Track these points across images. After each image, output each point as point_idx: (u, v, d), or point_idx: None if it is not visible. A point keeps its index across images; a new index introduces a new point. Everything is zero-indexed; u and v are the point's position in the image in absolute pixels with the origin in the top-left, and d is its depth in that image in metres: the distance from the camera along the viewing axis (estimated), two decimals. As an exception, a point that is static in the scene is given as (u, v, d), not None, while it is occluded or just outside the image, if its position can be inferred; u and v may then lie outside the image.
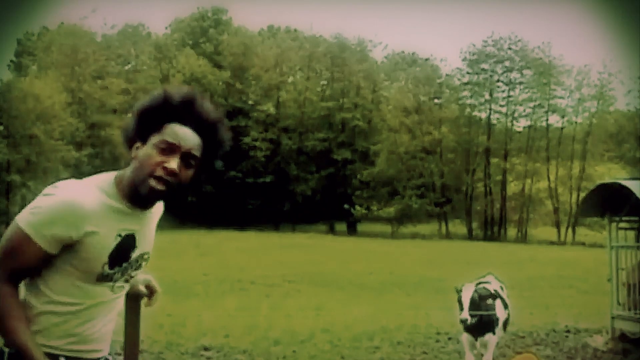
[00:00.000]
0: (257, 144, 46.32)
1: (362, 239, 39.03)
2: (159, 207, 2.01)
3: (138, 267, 1.94)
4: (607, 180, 12.08)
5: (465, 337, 6.05)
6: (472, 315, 5.65)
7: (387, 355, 7.74)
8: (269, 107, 47.72)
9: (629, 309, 8.34)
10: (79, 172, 40.86)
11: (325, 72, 50.59)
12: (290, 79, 51.05)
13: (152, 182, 1.74)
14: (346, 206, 44.50)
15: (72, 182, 1.80)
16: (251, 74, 49.25)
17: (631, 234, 9.38)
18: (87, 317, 1.83)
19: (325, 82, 50.75)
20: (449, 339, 8.56)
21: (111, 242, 1.78)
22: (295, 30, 55.28)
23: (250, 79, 49.65)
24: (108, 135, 43.14)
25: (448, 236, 43.52)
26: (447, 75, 50.69)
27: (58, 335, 1.79)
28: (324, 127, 47.92)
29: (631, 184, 8.05)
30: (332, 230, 44.71)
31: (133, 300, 2.21)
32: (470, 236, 44.12)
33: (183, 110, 1.81)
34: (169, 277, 16.80)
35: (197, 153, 1.80)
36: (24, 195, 36.98)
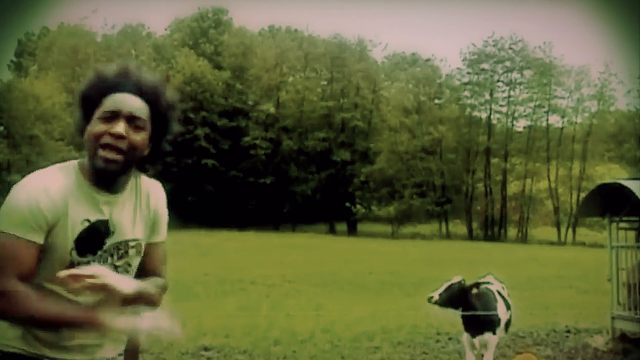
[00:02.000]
0: (257, 142, 46.35)
1: (362, 239, 39.02)
2: (155, 192, 1.97)
3: (123, 256, 1.86)
4: (607, 180, 12.08)
5: (466, 337, 6.05)
6: (445, 305, 5.79)
7: (387, 355, 7.74)
8: (269, 108, 47.76)
9: (629, 309, 8.33)
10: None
11: (325, 72, 50.60)
12: (290, 79, 51.06)
13: (103, 152, 1.72)
14: (347, 204, 44.51)
15: (36, 172, 1.79)
16: (251, 74, 49.26)
17: (631, 234, 9.36)
18: None
19: (325, 82, 50.77)
20: (450, 339, 8.56)
21: (77, 228, 1.74)
22: (296, 30, 55.32)
23: (250, 79, 49.66)
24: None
25: (448, 236, 43.53)
26: (447, 75, 50.86)
27: (41, 339, 1.76)
28: (324, 127, 47.93)
29: (631, 184, 8.04)
30: (332, 230, 44.72)
31: None
32: (470, 236, 44.13)
33: (119, 82, 1.79)
34: (169, 277, 16.78)
35: (142, 115, 1.77)
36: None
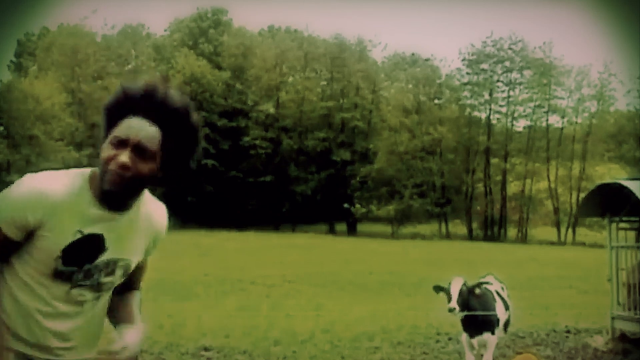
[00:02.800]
0: (257, 143, 46.36)
1: (362, 239, 39.02)
2: (159, 217, 1.95)
3: (110, 274, 1.84)
4: (607, 180, 12.08)
5: (465, 337, 6.05)
6: (462, 309, 5.68)
7: (387, 355, 7.73)
8: (269, 108, 47.78)
9: (629, 309, 8.33)
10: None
11: (325, 73, 50.61)
12: (290, 79, 51.07)
13: (108, 176, 1.71)
14: (346, 205, 44.51)
15: (46, 172, 1.78)
16: (251, 75, 49.26)
17: (631, 234, 9.36)
18: (35, 324, 1.77)
19: (325, 83, 50.78)
20: (449, 339, 8.56)
21: (67, 237, 1.72)
22: (296, 30, 55.34)
23: (250, 79, 49.67)
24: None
25: (448, 236, 43.53)
26: (447, 75, 50.83)
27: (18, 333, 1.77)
28: (324, 127, 47.94)
29: (631, 184, 8.04)
30: (332, 230, 44.72)
31: None
32: (470, 236, 44.13)
33: (143, 102, 1.76)
34: (169, 277, 16.80)
35: (151, 145, 1.73)
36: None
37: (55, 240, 1.71)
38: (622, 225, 9.09)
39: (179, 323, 9.48)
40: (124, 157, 1.70)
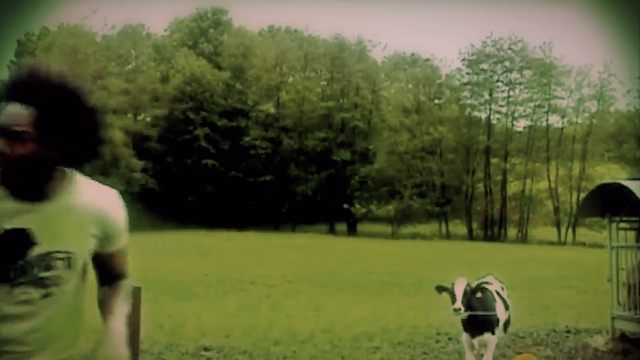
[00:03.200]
0: (257, 143, 46.37)
1: (362, 239, 39.02)
2: (103, 202, 1.89)
3: (49, 268, 1.77)
4: (607, 180, 12.08)
5: (465, 337, 6.05)
6: (466, 309, 5.67)
7: (387, 355, 7.73)
8: (269, 108, 47.78)
9: (629, 309, 8.33)
10: (78, 172, 40.87)
11: (325, 73, 50.62)
12: (290, 79, 51.08)
13: None
14: (346, 205, 44.51)
15: None
16: (251, 75, 49.28)
17: (631, 234, 9.36)
18: None
19: (325, 83, 50.79)
20: (449, 339, 8.56)
21: None
22: (296, 30, 55.35)
23: (250, 79, 49.68)
24: (108, 135, 43.06)
25: (448, 236, 43.54)
26: (447, 75, 50.85)
27: None
28: (324, 127, 47.96)
29: (631, 184, 8.04)
30: (332, 231, 44.72)
31: (133, 298, 2.16)
32: (470, 236, 44.14)
33: (20, 87, 1.72)
34: (169, 277, 16.82)
35: (17, 125, 1.67)
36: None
37: None
38: (622, 225, 9.09)
39: (179, 323, 9.48)
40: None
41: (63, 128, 1.73)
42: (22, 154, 1.67)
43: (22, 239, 1.72)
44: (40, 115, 1.70)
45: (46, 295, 1.79)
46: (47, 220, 1.75)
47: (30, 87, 1.72)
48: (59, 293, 1.81)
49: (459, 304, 5.62)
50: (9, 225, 1.70)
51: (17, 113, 1.69)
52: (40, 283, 1.76)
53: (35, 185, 1.74)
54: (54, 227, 1.76)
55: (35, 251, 1.74)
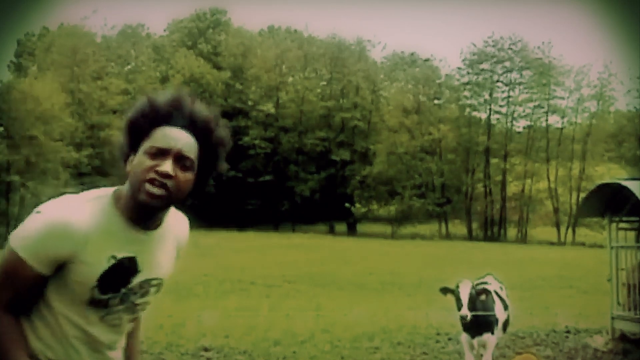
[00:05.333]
0: (257, 142, 46.37)
1: (362, 239, 39.02)
2: (181, 228, 1.91)
3: (144, 294, 1.81)
4: (607, 180, 12.08)
5: (465, 338, 6.05)
6: (470, 312, 5.66)
7: (387, 355, 7.74)
8: (269, 108, 47.77)
9: (629, 309, 8.33)
10: (78, 172, 40.91)
11: (325, 73, 50.64)
12: (290, 80, 51.09)
13: (148, 186, 1.63)
14: (347, 205, 44.51)
15: (65, 199, 1.69)
16: (251, 75, 49.29)
17: (631, 234, 9.37)
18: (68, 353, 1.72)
19: (324, 83, 50.80)
20: (449, 339, 8.56)
21: (102, 265, 1.66)
22: (295, 30, 55.38)
23: (249, 79, 49.69)
24: (108, 135, 43.11)
25: (448, 236, 43.52)
26: (446, 75, 50.82)
27: None
28: (324, 127, 47.98)
29: (631, 184, 8.04)
30: (332, 230, 44.71)
31: None
32: (470, 236, 44.12)
33: (171, 113, 1.71)
34: (169, 277, 16.76)
35: (190, 154, 1.69)
36: (24, 195, 37.00)
37: (89, 270, 1.65)
38: (622, 225, 9.10)
39: (179, 323, 9.48)
40: (166, 166, 1.64)
41: (213, 164, 1.80)
42: (183, 181, 1.68)
43: (130, 267, 1.73)
44: (201, 147, 1.73)
45: (133, 320, 1.86)
46: (148, 249, 1.76)
47: (190, 117, 1.72)
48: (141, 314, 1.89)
49: (465, 310, 5.59)
50: (121, 254, 1.69)
51: (188, 141, 1.70)
52: (132, 309, 1.80)
53: (163, 213, 1.75)
54: (152, 255, 1.78)
55: (137, 279, 1.75)
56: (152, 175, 1.64)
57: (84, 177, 41.08)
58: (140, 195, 1.64)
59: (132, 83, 46.96)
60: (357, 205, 45.13)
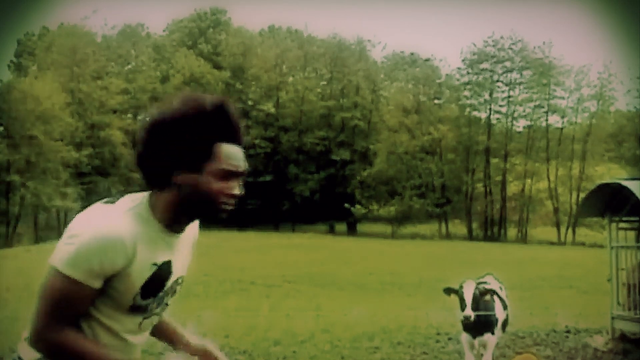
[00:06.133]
0: (257, 142, 46.37)
1: (362, 239, 39.03)
2: (194, 226, 1.94)
3: (174, 294, 1.86)
4: (607, 180, 12.08)
5: (465, 337, 6.04)
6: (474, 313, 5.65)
7: (387, 355, 7.74)
8: (269, 107, 47.79)
9: (629, 309, 8.33)
10: (78, 172, 40.91)
11: (325, 72, 50.64)
12: (290, 79, 51.10)
13: (224, 206, 1.70)
14: (346, 205, 44.51)
15: (104, 211, 1.68)
16: (251, 74, 49.30)
17: (631, 234, 9.37)
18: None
19: (325, 82, 50.81)
20: (449, 339, 8.56)
21: (146, 273, 1.68)
22: (296, 30, 55.38)
23: (249, 79, 49.70)
24: (108, 135, 43.15)
25: (448, 236, 43.53)
26: (447, 75, 50.84)
27: None
28: (324, 126, 47.99)
29: (631, 184, 8.04)
30: (332, 230, 44.72)
31: None
32: (470, 236, 44.13)
33: (238, 130, 1.73)
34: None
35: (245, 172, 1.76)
36: (24, 195, 37.01)
37: (134, 279, 1.66)
38: (622, 225, 9.09)
39: (179, 323, 9.46)
40: (238, 189, 1.72)
41: None
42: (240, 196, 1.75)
43: (167, 271, 1.76)
44: None
45: (159, 318, 1.90)
46: (178, 251, 1.80)
47: (231, 127, 1.74)
48: None
49: (469, 310, 5.57)
50: (160, 260, 1.72)
51: (244, 159, 1.75)
52: (164, 309, 1.86)
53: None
54: (181, 256, 1.83)
55: (170, 281, 1.79)
56: (224, 199, 1.69)
57: (84, 176, 41.11)
58: (218, 213, 1.72)
59: (132, 83, 46.97)
60: (357, 206, 45.13)
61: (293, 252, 27.03)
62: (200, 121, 1.66)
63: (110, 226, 1.61)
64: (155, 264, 1.69)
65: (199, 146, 1.66)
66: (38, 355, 1.67)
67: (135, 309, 1.72)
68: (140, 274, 1.66)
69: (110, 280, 1.64)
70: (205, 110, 1.67)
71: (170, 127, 1.67)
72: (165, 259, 1.73)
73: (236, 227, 41.51)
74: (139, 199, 1.73)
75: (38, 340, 1.63)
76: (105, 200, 1.73)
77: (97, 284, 1.62)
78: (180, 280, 1.85)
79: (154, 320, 1.84)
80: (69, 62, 44.30)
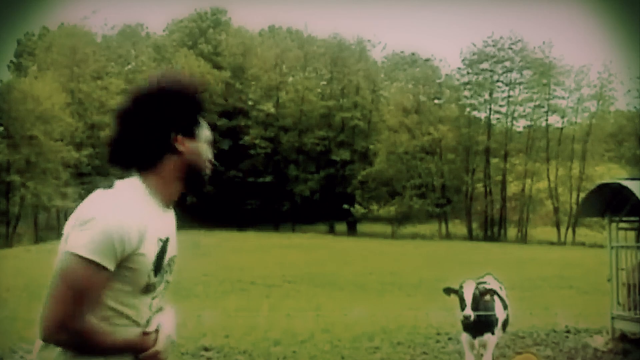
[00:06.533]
0: (257, 142, 46.37)
1: (362, 239, 39.01)
2: (172, 212, 1.97)
3: (171, 271, 1.88)
4: (607, 180, 12.08)
5: (465, 337, 6.04)
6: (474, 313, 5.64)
7: (387, 355, 7.73)
8: (269, 107, 47.79)
9: (629, 309, 8.33)
10: (78, 172, 40.90)
11: (325, 72, 50.63)
12: (290, 79, 51.10)
13: (209, 174, 1.90)
14: (346, 206, 44.51)
15: (110, 195, 1.71)
16: (251, 74, 49.29)
17: (631, 234, 9.37)
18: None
19: (325, 82, 50.80)
20: (449, 339, 8.56)
21: (155, 249, 1.73)
22: (296, 30, 55.38)
23: (249, 79, 49.69)
24: (108, 135, 43.03)
25: (448, 236, 43.53)
26: (446, 75, 50.83)
27: None
28: (324, 126, 47.98)
29: (631, 184, 8.04)
30: (332, 231, 44.70)
31: None
32: (470, 236, 44.12)
33: (201, 99, 1.89)
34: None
35: None
36: (24, 195, 37.00)
37: (148, 255, 1.71)
38: (622, 225, 9.09)
39: (179, 323, 9.37)
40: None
41: None
42: None
43: (166, 246, 1.79)
44: None
45: (163, 297, 1.91)
46: (171, 227, 1.86)
47: (202, 104, 1.94)
48: None
49: (469, 310, 5.57)
50: (163, 235, 1.77)
51: None
52: (166, 287, 1.88)
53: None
54: (173, 235, 1.87)
55: (167, 257, 1.81)
56: (209, 165, 1.90)
57: (84, 176, 41.08)
58: (205, 180, 1.89)
59: (132, 83, 46.89)
60: (357, 206, 45.11)
61: (293, 252, 27.02)
62: (190, 91, 1.84)
63: (122, 206, 1.67)
64: (160, 240, 1.75)
65: (192, 112, 1.83)
66: (54, 355, 1.65)
67: (147, 289, 1.75)
68: (151, 250, 1.71)
69: (125, 261, 1.66)
70: (192, 83, 1.87)
71: (167, 94, 1.81)
72: (166, 235, 1.79)
73: (236, 227, 41.55)
74: (132, 181, 1.78)
75: (60, 331, 1.59)
76: (102, 188, 1.76)
77: (112, 266, 1.64)
78: (175, 259, 1.89)
79: (161, 301, 1.86)
80: (69, 62, 44.28)
